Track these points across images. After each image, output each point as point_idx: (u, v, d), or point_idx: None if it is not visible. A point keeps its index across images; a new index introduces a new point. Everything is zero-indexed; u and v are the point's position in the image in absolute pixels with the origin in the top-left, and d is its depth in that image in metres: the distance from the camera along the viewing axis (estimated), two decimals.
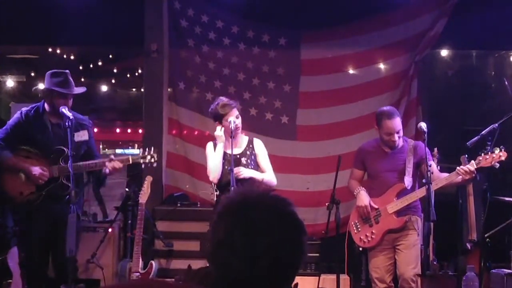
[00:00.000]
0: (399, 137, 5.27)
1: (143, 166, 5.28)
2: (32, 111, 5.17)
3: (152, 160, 5.21)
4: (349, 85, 6.91)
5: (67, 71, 5.25)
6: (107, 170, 5.12)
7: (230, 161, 5.18)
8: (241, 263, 1.73)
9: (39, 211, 5.03)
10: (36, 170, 5.02)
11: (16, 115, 5.19)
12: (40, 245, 5.06)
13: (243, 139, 5.45)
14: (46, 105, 5.17)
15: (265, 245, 1.74)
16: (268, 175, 5.39)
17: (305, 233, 1.82)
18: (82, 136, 5.21)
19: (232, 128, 5.17)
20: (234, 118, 5.25)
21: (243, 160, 5.32)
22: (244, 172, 5.26)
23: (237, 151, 5.33)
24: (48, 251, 5.11)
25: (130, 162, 5.19)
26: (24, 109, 5.22)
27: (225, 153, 5.33)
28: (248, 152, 5.37)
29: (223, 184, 5.32)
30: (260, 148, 5.46)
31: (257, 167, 5.41)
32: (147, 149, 5.23)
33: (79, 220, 5.32)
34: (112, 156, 5.16)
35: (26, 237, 5.10)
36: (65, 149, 4.98)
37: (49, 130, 5.12)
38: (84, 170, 5.12)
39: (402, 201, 5.24)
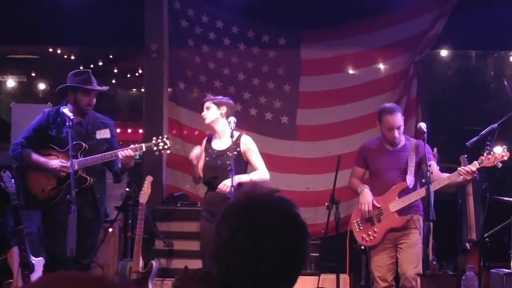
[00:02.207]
0: (399, 133, 5.29)
1: (157, 153, 5.36)
2: (53, 111, 5.32)
3: (166, 146, 5.28)
4: (349, 85, 6.92)
5: (88, 70, 5.44)
6: (120, 164, 5.25)
7: (212, 155, 5.29)
8: (244, 263, 1.74)
9: (60, 208, 5.07)
10: (56, 163, 5.13)
11: (39, 116, 5.33)
12: (64, 245, 5.05)
13: (227, 136, 5.30)
14: (68, 105, 5.27)
15: (269, 246, 1.74)
16: (258, 173, 5.27)
17: (308, 235, 1.83)
18: (103, 134, 5.35)
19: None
20: (205, 111, 5.35)
21: (224, 157, 5.25)
22: (229, 185, 5.08)
23: (222, 146, 5.33)
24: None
25: (144, 149, 5.27)
26: (47, 109, 5.40)
27: (209, 148, 5.37)
28: (231, 149, 5.18)
29: (207, 180, 5.34)
30: (247, 144, 5.34)
31: (240, 164, 5.26)
32: (160, 137, 5.32)
33: (100, 218, 5.40)
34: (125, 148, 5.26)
35: (49, 237, 5.16)
36: (83, 144, 5.15)
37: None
38: (99, 161, 5.19)
39: (404, 200, 5.25)
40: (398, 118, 5.25)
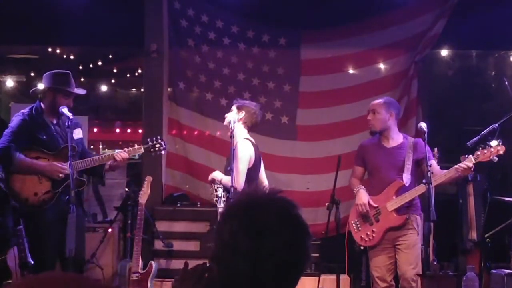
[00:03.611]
0: (372, 118, 5.37)
1: (153, 154, 5.43)
2: (33, 112, 5.17)
3: (161, 148, 5.36)
4: (349, 85, 6.91)
5: (68, 71, 5.32)
6: (107, 166, 5.22)
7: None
8: (245, 264, 1.73)
9: (51, 211, 5.03)
10: (55, 165, 5.05)
11: (18, 118, 5.15)
12: (53, 247, 5.01)
13: (236, 139, 5.40)
14: (43, 105, 5.18)
15: (270, 247, 1.74)
16: (229, 178, 5.15)
17: (309, 236, 1.82)
18: (78, 134, 5.27)
19: None
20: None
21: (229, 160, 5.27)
22: (213, 176, 5.39)
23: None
24: (57, 253, 5.10)
25: (143, 150, 5.33)
26: (24, 110, 5.21)
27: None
28: (231, 156, 5.25)
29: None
30: (237, 150, 5.34)
31: None
32: (154, 139, 5.36)
33: (85, 217, 5.38)
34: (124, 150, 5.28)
35: (38, 240, 5.04)
36: (75, 145, 5.07)
37: (52, 129, 5.14)
38: (95, 164, 5.17)
39: (402, 199, 5.25)
40: (374, 102, 5.42)
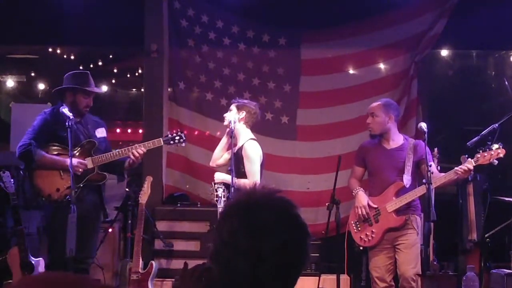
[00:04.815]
0: (371, 121, 5.38)
1: (173, 146, 5.54)
2: (53, 112, 5.31)
3: (182, 140, 5.41)
4: (349, 85, 6.91)
5: (87, 71, 5.50)
6: (127, 164, 5.30)
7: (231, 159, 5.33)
8: (244, 264, 1.74)
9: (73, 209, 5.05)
10: (74, 161, 5.09)
11: (40, 116, 5.31)
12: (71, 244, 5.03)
13: (241, 139, 5.47)
14: (64, 105, 5.26)
15: (269, 247, 1.74)
16: (244, 181, 5.27)
17: (309, 235, 1.83)
18: (101, 133, 5.45)
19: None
20: (227, 112, 5.51)
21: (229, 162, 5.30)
22: (216, 176, 5.40)
23: (235, 149, 5.39)
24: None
25: (162, 143, 5.39)
26: (46, 110, 5.40)
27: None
28: (235, 155, 5.30)
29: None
30: (247, 151, 5.41)
31: (240, 167, 5.37)
32: (174, 132, 5.45)
33: (101, 218, 5.45)
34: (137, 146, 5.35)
35: (57, 239, 5.05)
36: (95, 141, 5.25)
37: (74, 127, 5.19)
38: (115, 158, 5.25)
39: (401, 200, 5.25)
40: (374, 105, 5.42)
